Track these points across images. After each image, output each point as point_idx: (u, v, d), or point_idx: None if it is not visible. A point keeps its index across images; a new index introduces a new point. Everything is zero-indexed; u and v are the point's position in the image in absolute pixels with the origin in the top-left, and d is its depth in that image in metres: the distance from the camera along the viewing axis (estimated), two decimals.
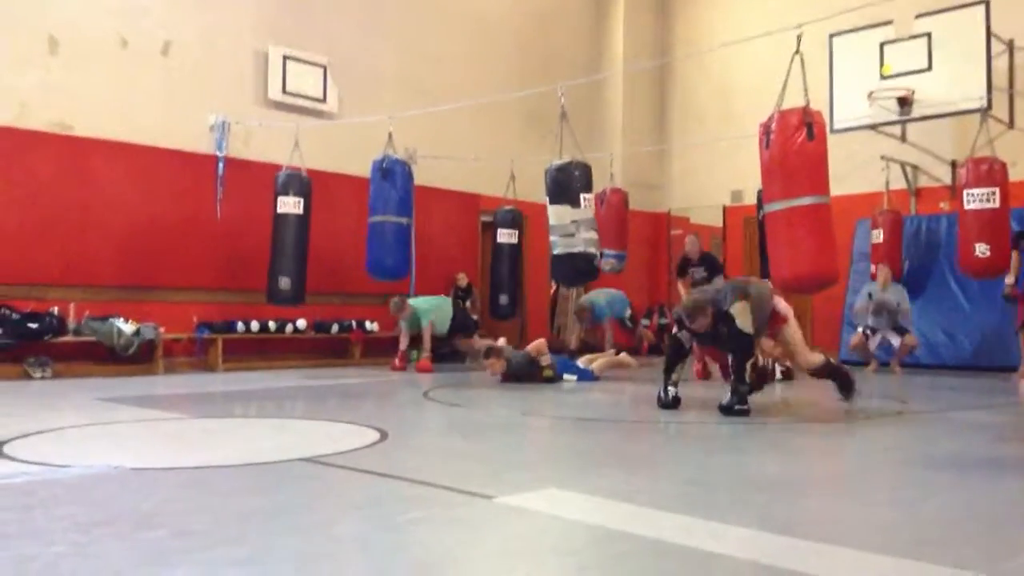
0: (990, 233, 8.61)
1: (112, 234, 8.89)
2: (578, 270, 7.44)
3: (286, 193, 9.02)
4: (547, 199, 7.56)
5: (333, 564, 2.29)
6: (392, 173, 8.94)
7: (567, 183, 7.36)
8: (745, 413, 5.42)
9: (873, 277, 10.34)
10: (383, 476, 3.44)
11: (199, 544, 2.44)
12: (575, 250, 7.30)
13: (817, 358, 6.02)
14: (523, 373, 7.87)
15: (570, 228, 7.29)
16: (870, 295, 9.93)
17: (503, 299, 10.54)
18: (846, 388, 6.01)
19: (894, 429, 5.36)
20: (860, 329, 10.00)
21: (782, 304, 5.84)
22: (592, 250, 7.38)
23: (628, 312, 11.03)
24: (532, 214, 10.99)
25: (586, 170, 7.47)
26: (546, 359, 7.95)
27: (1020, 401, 6.72)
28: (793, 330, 5.87)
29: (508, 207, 10.42)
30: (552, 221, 7.48)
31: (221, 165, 9.69)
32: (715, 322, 5.54)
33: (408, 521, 2.75)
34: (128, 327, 8.52)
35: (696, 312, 5.54)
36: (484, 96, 10.77)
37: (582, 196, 7.36)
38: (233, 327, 9.48)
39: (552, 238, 7.52)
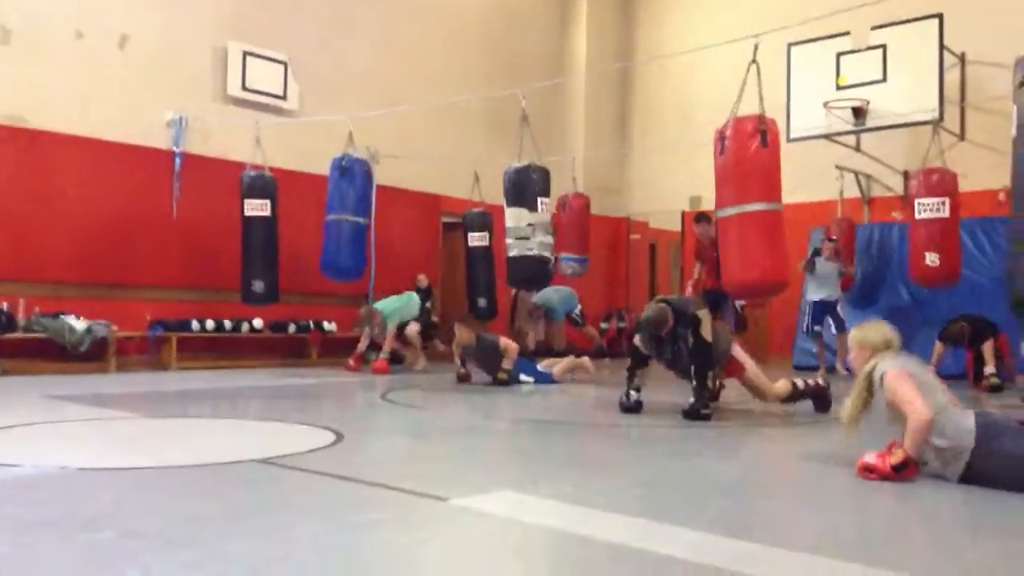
0: (940, 242, 8.80)
1: (64, 229, 8.72)
2: (532, 272, 7.45)
3: (252, 195, 8.91)
4: (504, 201, 7.58)
5: (286, 567, 2.26)
6: (351, 172, 8.86)
7: (525, 186, 7.38)
8: (707, 418, 5.48)
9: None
10: (338, 478, 3.42)
11: (147, 546, 2.40)
12: (529, 253, 7.31)
13: (783, 388, 6.01)
14: (483, 357, 7.80)
15: (525, 231, 7.31)
16: (816, 253, 10.18)
17: (482, 302, 10.52)
18: (822, 403, 6.01)
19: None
20: (807, 330, 10.26)
21: (739, 352, 5.94)
22: (546, 254, 7.40)
23: (578, 308, 11.13)
24: (494, 215, 10.98)
25: (544, 174, 7.50)
26: (508, 363, 7.84)
27: None
28: (753, 373, 5.94)
29: (477, 209, 10.40)
30: (508, 223, 7.50)
31: (178, 161, 9.56)
32: (674, 329, 5.60)
33: (363, 523, 2.73)
34: (79, 324, 8.36)
35: (658, 322, 5.61)
36: (447, 97, 10.76)
37: (539, 200, 7.38)
38: (188, 326, 9.35)
39: (508, 240, 7.54)
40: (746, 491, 3.51)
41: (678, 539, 2.60)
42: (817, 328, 10.10)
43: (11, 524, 2.59)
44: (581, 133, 14.16)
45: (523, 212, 7.33)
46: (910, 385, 3.59)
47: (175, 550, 2.37)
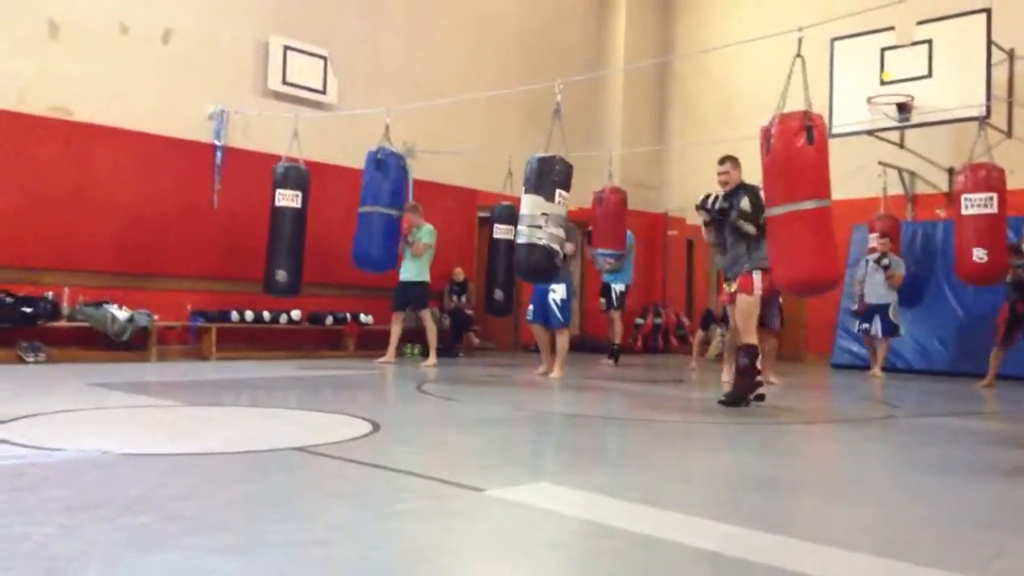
0: (988, 239, 8.63)
1: (108, 220, 8.88)
2: (535, 263, 7.32)
3: (284, 186, 8.99)
4: (522, 188, 7.48)
5: (322, 552, 2.28)
6: (386, 164, 8.89)
7: (545, 175, 7.29)
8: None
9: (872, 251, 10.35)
10: (374, 467, 3.44)
11: (187, 529, 2.44)
12: (539, 242, 7.20)
13: (754, 342, 5.96)
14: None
15: (538, 220, 7.19)
16: (867, 262, 9.99)
17: (498, 295, 10.50)
18: (737, 398, 5.89)
19: (885, 432, 5.38)
20: (860, 330, 10.03)
21: (759, 280, 6.00)
22: (555, 246, 7.28)
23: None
24: None
25: (568, 168, 7.40)
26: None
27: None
28: (750, 303, 5.99)
29: (505, 203, 10.39)
30: (523, 210, 7.40)
31: (219, 154, 9.68)
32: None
33: (398, 512, 2.75)
34: (122, 313, 8.51)
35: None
36: (484, 91, 10.76)
37: (557, 191, 7.27)
38: (227, 316, 9.47)
39: (519, 227, 7.45)
40: (781, 486, 3.48)
41: (711, 532, 2.58)
42: (866, 326, 9.93)
43: (56, 506, 2.64)
44: (619, 128, 14.10)
45: (539, 200, 7.22)
46: None
47: (215, 533, 2.41)
